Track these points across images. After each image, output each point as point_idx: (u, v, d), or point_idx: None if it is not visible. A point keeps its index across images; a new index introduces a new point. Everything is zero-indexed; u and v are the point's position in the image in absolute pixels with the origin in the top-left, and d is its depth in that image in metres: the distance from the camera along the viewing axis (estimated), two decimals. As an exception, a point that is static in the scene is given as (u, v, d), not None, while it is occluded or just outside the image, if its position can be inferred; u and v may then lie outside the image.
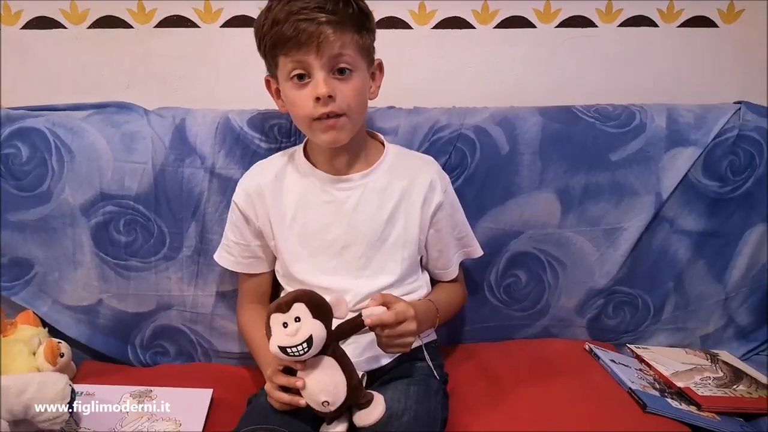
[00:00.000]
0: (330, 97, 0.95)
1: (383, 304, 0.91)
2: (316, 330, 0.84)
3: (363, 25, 0.98)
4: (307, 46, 0.93)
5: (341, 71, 0.96)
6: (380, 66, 1.05)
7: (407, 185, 1.07)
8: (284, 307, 0.85)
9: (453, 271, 1.15)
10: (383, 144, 1.11)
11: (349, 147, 1.04)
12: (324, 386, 0.87)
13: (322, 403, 0.87)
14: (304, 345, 0.83)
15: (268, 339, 0.86)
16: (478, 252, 1.18)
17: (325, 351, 0.87)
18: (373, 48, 1.03)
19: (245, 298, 1.16)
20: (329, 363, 0.88)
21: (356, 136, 1.03)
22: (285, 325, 0.85)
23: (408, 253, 1.08)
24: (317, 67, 0.94)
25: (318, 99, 0.95)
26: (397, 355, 1.04)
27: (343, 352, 0.90)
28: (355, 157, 1.06)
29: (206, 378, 1.14)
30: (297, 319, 0.84)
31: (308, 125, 0.99)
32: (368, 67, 1.01)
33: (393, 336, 0.92)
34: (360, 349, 1.01)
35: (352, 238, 1.05)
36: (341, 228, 1.05)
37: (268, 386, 0.93)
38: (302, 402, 0.88)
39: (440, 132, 1.21)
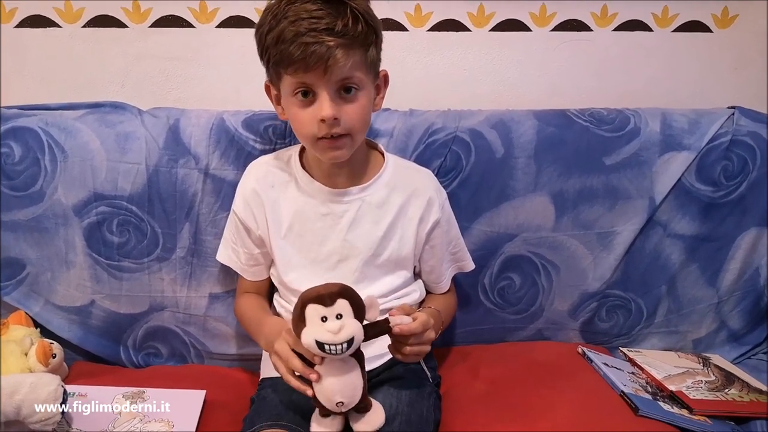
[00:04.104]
0: (335, 119, 0.93)
1: (405, 314, 0.91)
2: (358, 332, 0.82)
3: (371, 41, 0.95)
4: (314, 69, 0.90)
5: (347, 89, 0.94)
6: (385, 77, 1.03)
7: (405, 201, 1.06)
8: (327, 301, 0.82)
9: (445, 285, 1.15)
10: (383, 154, 1.10)
11: (349, 162, 1.02)
12: (343, 387, 0.85)
13: (337, 403, 0.85)
14: (345, 345, 0.81)
15: (296, 326, 0.84)
16: (470, 266, 1.18)
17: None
18: (380, 60, 1.00)
19: (243, 290, 1.16)
20: (352, 365, 0.86)
21: (357, 150, 1.02)
22: (324, 318, 0.82)
23: (402, 267, 1.08)
24: (323, 87, 0.92)
25: (323, 120, 0.93)
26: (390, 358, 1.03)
27: (363, 355, 0.88)
28: (354, 171, 1.05)
29: (199, 379, 1.14)
30: (338, 316, 0.82)
31: (312, 143, 0.98)
32: (374, 81, 0.99)
33: (415, 344, 0.91)
34: None
35: (347, 253, 1.05)
36: (337, 242, 1.04)
37: (282, 369, 0.89)
38: (310, 392, 0.86)
39: (435, 135, 1.21)
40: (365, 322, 0.85)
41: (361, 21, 0.91)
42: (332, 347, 0.81)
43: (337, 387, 0.84)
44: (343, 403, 0.85)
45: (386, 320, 0.88)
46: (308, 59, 0.89)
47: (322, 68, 0.89)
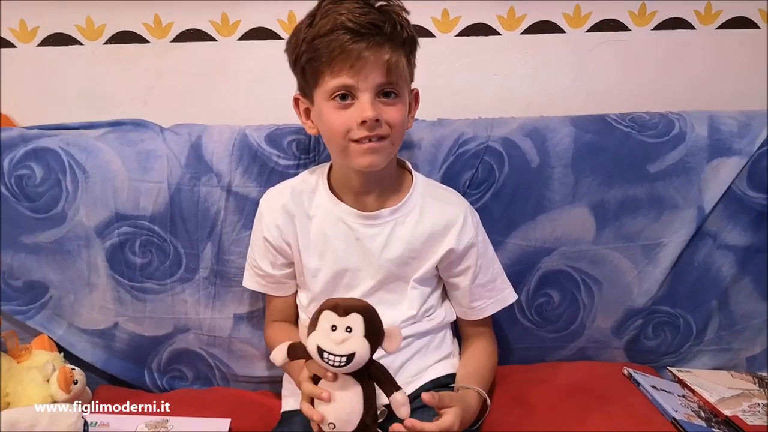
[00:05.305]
0: (377, 120, 0.91)
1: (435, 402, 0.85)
2: (362, 350, 0.79)
3: (411, 51, 0.96)
4: (357, 66, 0.89)
5: (387, 94, 0.93)
6: (417, 96, 1.03)
7: (435, 224, 1.03)
8: (341, 311, 0.80)
9: (479, 313, 1.08)
10: (411, 173, 1.07)
11: (379, 181, 1.01)
12: (337, 409, 0.82)
13: (328, 424, 0.82)
14: (343, 359, 0.79)
15: (310, 332, 0.82)
16: (512, 297, 1.11)
17: (355, 374, 0.82)
18: (413, 76, 1.00)
19: (272, 316, 1.13)
20: (354, 388, 0.83)
21: (388, 167, 0.99)
22: (333, 327, 0.80)
23: (430, 291, 1.06)
24: (364, 89, 0.91)
25: (364, 122, 0.91)
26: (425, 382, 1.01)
27: (372, 383, 0.84)
28: (384, 191, 1.03)
29: (224, 404, 1.12)
30: (348, 329, 0.80)
31: (344, 147, 0.94)
32: (409, 94, 0.99)
33: None
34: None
35: (375, 273, 1.02)
36: (366, 263, 1.02)
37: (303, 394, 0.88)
38: (318, 417, 0.83)
39: (466, 145, 1.18)
40: (381, 359, 0.83)
41: (406, 29, 0.93)
42: (330, 357, 0.79)
43: (330, 406, 0.82)
44: (333, 425, 0.82)
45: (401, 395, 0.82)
46: (350, 54, 0.89)
47: (366, 65, 0.89)
